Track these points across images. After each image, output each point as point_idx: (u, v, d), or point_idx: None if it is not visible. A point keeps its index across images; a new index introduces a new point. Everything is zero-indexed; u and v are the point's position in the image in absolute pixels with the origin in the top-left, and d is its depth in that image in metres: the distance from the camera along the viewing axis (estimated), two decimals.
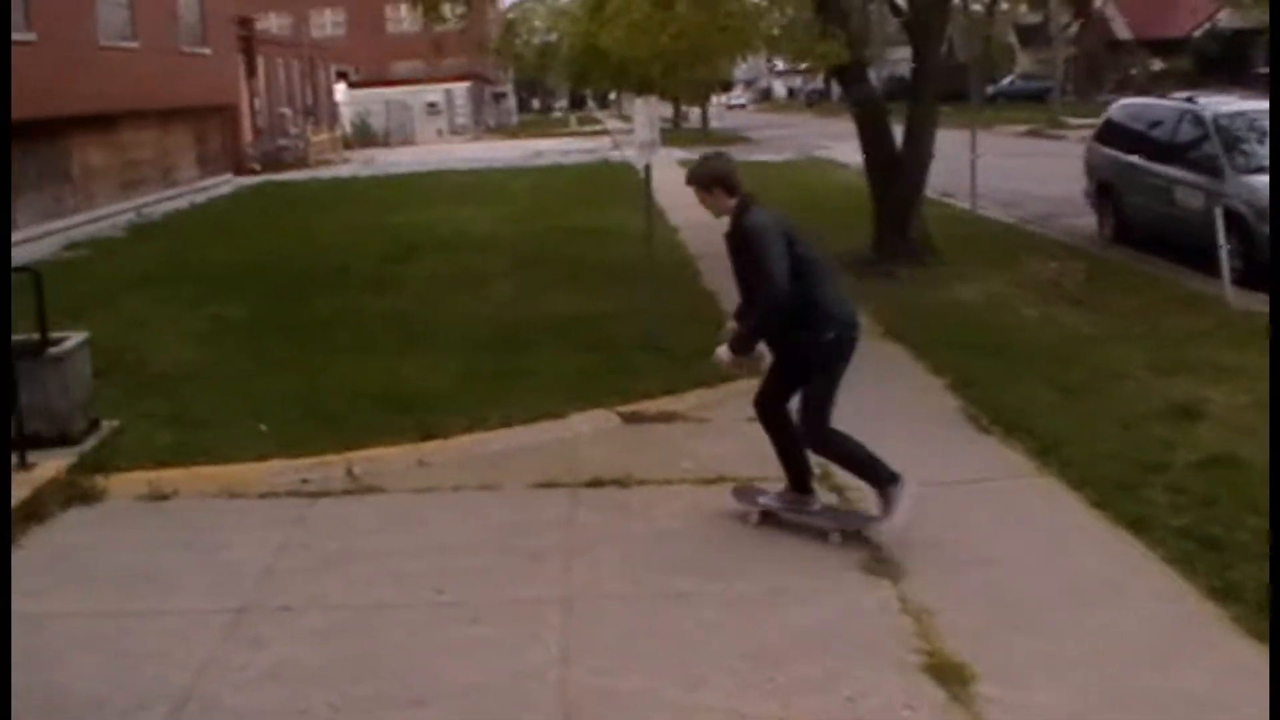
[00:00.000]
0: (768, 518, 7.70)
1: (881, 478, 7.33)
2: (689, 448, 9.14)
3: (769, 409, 7.79)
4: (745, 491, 7.98)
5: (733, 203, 7.55)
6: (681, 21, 14.63)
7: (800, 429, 7.57)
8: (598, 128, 74.94)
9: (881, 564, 6.94)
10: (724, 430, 9.58)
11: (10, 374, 8.88)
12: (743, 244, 7.42)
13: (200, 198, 31.80)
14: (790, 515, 7.66)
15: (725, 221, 7.60)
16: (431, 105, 70.44)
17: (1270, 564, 5.36)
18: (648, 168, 12.42)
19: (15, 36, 21.94)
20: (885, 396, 10.01)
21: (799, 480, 7.74)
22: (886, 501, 7.25)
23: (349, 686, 5.83)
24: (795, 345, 7.48)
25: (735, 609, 6.50)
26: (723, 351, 7.50)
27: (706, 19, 14.77)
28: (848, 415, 9.60)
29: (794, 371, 7.57)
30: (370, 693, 5.78)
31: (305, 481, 8.58)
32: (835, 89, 66.73)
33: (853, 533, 7.36)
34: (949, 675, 5.69)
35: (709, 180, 7.61)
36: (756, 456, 8.79)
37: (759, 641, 6.10)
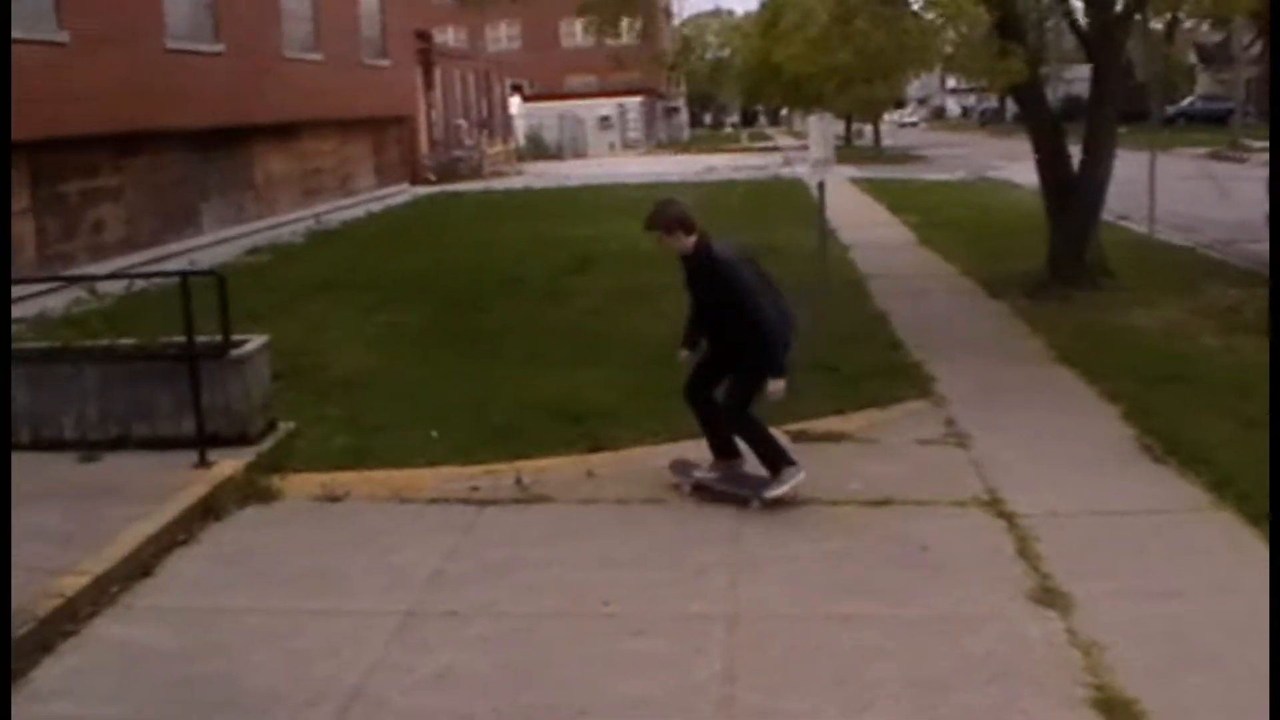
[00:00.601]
0: (700, 490, 8.54)
1: (781, 461, 8.31)
2: (857, 468, 9.06)
3: (702, 395, 8.67)
4: (681, 465, 8.80)
5: (692, 240, 8.37)
6: (860, 38, 14.54)
7: (725, 412, 8.53)
8: (769, 144, 74.86)
9: (1050, 594, 6.80)
10: (892, 451, 9.51)
11: (195, 374, 9.16)
12: (713, 278, 8.28)
13: (377, 206, 32.43)
14: (720, 486, 8.49)
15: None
16: (604, 119, 71.03)
17: (1270, 565, 5.18)
18: (821, 185, 12.38)
19: (203, 48, 22.65)
20: (1056, 423, 9.85)
21: (723, 448, 8.63)
22: (777, 474, 8.27)
23: (513, 694, 5.89)
24: (742, 350, 8.30)
25: (901, 634, 6.41)
26: (778, 387, 8.22)
27: (885, 36, 14.65)
28: (1017, 440, 9.52)
29: (729, 366, 8.48)
30: (534, 701, 5.83)
31: (475, 489, 8.70)
32: (1010, 108, 65.87)
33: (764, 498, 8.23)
34: (1117, 712, 5.56)
35: (672, 224, 8.38)
36: (926, 479, 8.75)
37: (924, 668, 6.02)
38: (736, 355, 8.38)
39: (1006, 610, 6.68)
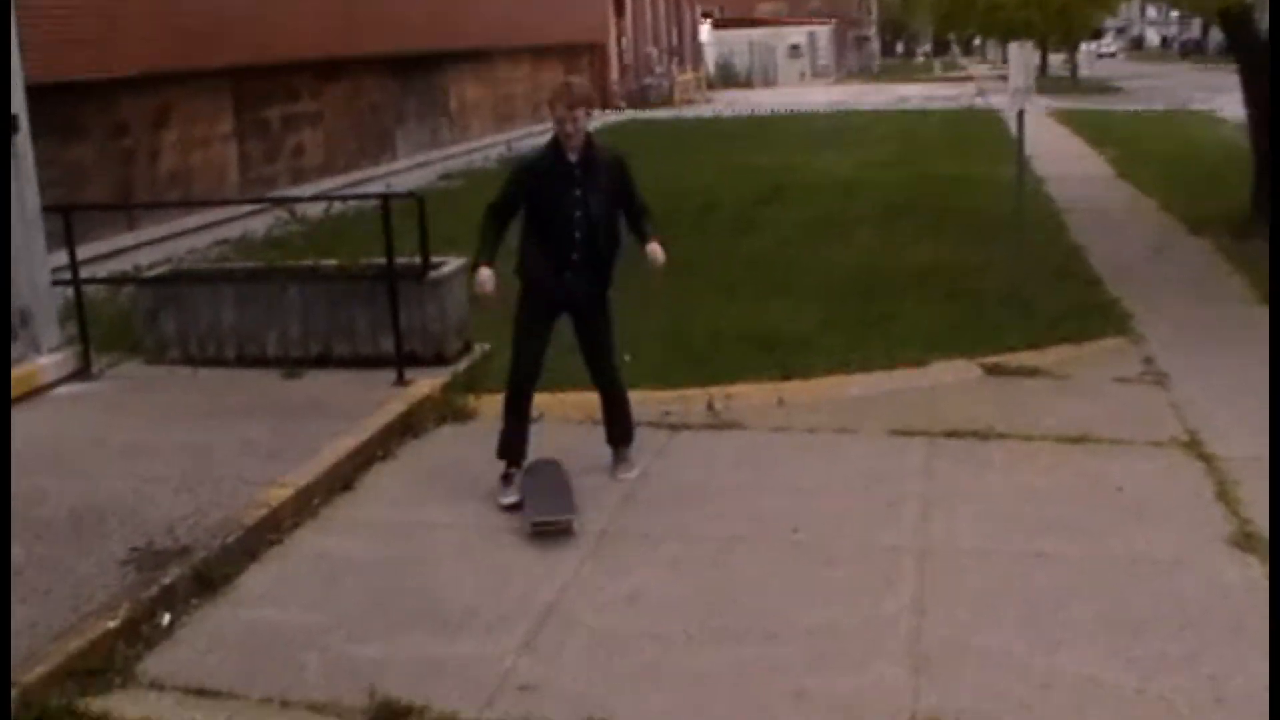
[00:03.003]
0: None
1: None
2: (1051, 404, 8.91)
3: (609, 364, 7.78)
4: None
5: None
6: None
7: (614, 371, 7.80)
8: (962, 74, 73.41)
9: (1250, 539, 6.61)
10: (1088, 389, 9.33)
11: (395, 295, 9.37)
12: (619, 172, 7.46)
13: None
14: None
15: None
16: (794, 48, 70.29)
17: (1270, 566, 4.98)
18: (1020, 114, 12.12)
19: None
20: (1259, 366, 9.50)
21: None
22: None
23: (703, 617, 5.94)
24: (608, 275, 7.50)
25: (1096, 574, 6.31)
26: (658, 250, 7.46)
27: None
28: (1218, 382, 9.26)
29: (599, 304, 7.56)
30: (724, 625, 5.87)
31: (667, 413, 8.76)
32: (1213, 38, 63.48)
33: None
34: None
35: (592, 100, 8.05)
36: (1122, 418, 8.58)
37: (1117, 610, 5.91)
38: (605, 282, 7.52)
39: (1204, 554, 6.52)
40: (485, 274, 7.17)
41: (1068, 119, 32.97)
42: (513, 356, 7.46)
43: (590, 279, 7.37)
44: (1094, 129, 29.75)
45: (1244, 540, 6.62)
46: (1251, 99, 16.23)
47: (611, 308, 7.59)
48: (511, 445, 7.44)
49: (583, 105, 7.24)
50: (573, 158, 7.19)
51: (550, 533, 6.83)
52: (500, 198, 7.34)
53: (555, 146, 7.24)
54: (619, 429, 7.81)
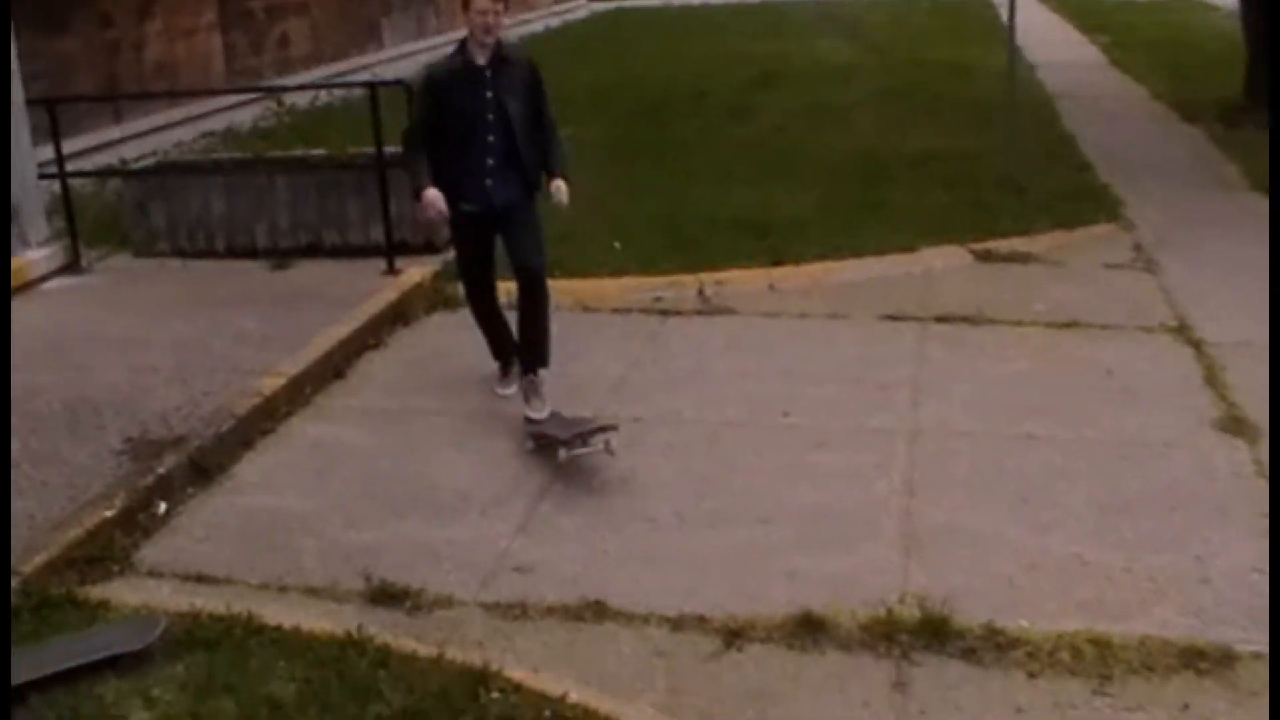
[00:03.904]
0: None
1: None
2: (1042, 289, 8.94)
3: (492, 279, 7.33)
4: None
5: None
6: None
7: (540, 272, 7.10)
8: None
9: (1238, 423, 6.67)
10: (1078, 274, 9.36)
11: (384, 183, 9.32)
12: (533, 76, 6.90)
13: (555, 21, 32.24)
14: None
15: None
16: None
17: (1270, 568, 5.06)
18: (1012, 0, 12.00)
19: None
20: (1250, 253, 9.50)
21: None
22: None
23: (695, 500, 6.00)
24: (535, 180, 6.99)
25: (1084, 457, 6.36)
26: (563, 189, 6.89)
27: None
28: (1208, 268, 9.28)
29: (521, 212, 7.02)
30: (716, 507, 5.94)
31: (658, 299, 8.79)
32: None
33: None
34: None
35: None
36: (1112, 303, 8.62)
37: (1107, 491, 5.98)
38: (531, 187, 6.99)
39: (1193, 437, 6.58)
40: (433, 193, 6.71)
41: (1060, 6, 32.60)
42: (461, 276, 7.41)
43: (514, 185, 6.85)
44: (1086, 16, 29.42)
45: (1231, 424, 6.68)
46: None
47: (540, 214, 7.10)
48: (495, 346, 7.40)
49: None
50: (481, 60, 6.70)
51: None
52: (416, 120, 6.92)
53: (462, 51, 6.74)
54: (533, 347, 7.07)
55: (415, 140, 6.87)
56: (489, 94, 6.71)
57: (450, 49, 6.96)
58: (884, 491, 6.04)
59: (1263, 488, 5.98)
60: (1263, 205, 10.89)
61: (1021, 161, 11.79)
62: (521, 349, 7.15)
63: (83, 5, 14.65)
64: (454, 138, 6.75)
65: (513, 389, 7.21)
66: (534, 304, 7.00)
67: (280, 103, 16.01)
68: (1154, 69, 19.64)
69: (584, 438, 6.33)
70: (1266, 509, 5.74)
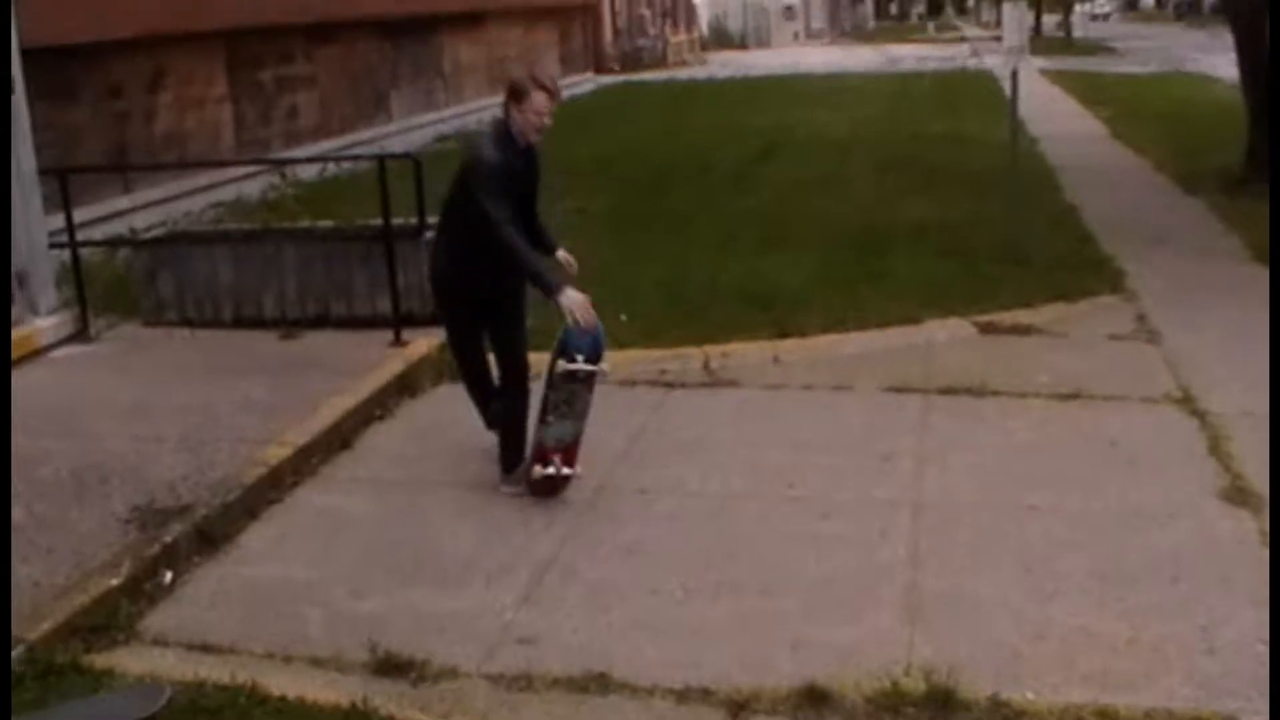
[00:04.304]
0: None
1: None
2: (1045, 361, 8.98)
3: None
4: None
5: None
6: None
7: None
8: (955, 35, 73.17)
9: (1242, 493, 6.68)
10: (1082, 345, 9.40)
11: (391, 254, 9.39)
12: (539, 168, 6.90)
13: (563, 95, 32.52)
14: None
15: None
16: (788, 9, 69.97)
17: (1270, 570, 5.06)
18: (1015, 73, 12.12)
19: None
20: (1252, 323, 9.56)
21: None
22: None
23: (700, 570, 6.00)
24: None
25: (1088, 527, 6.37)
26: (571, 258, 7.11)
27: None
28: (1211, 339, 9.32)
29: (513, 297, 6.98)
30: (721, 577, 5.93)
31: (663, 371, 8.84)
32: None
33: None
34: None
35: None
36: (1116, 374, 8.65)
37: (1111, 562, 5.98)
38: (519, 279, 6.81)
39: (1197, 507, 6.59)
40: (578, 296, 6.45)
41: (1062, 80, 32.90)
42: (457, 364, 7.35)
43: (518, 275, 6.68)
44: (1088, 89, 29.70)
45: (1236, 494, 6.69)
46: (1244, 58, 16.24)
47: (528, 298, 6.99)
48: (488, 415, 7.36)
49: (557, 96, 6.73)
50: (521, 148, 6.65)
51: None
52: (504, 208, 6.45)
53: (509, 139, 6.60)
54: (507, 446, 7.05)
55: (513, 231, 6.43)
56: (523, 187, 6.73)
57: (488, 132, 6.83)
58: (888, 561, 6.04)
59: (1267, 557, 5.97)
60: (1264, 275, 10.94)
61: (1024, 232, 11.86)
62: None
63: (93, 76, 14.80)
64: (485, 229, 6.48)
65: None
66: (511, 400, 7.03)
67: (284, 176, 16.10)
68: (1155, 141, 19.79)
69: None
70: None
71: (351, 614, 5.66)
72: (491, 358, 7.18)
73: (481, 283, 6.73)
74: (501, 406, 7.09)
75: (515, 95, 6.56)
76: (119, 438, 7.53)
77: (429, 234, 9.56)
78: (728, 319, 9.78)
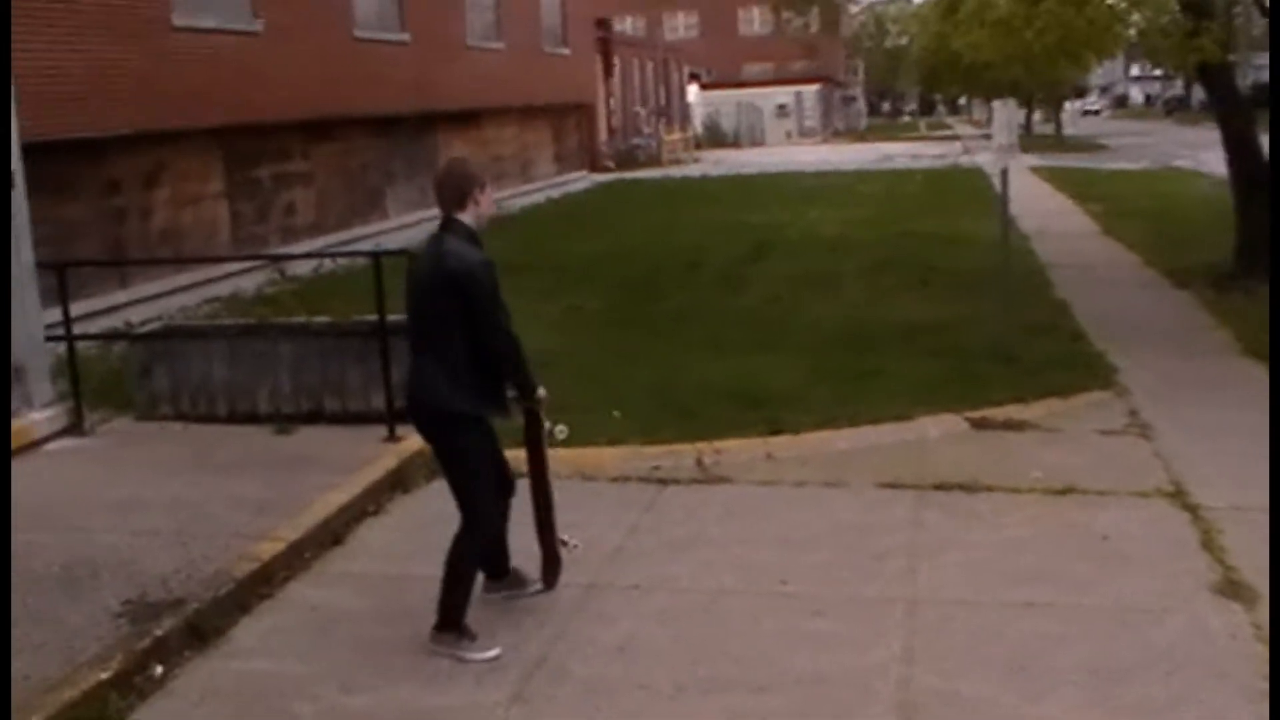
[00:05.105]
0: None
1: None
2: (1038, 457, 9.00)
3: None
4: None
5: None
6: (1048, 17, 14.39)
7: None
8: (947, 133, 73.93)
9: (1235, 587, 6.69)
10: (1074, 441, 9.42)
11: (386, 351, 9.41)
12: None
13: (556, 193, 32.78)
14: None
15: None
16: (781, 108, 70.85)
17: (1270, 570, 5.04)
18: (1004, 171, 12.25)
19: (390, 37, 23.20)
20: (1243, 418, 9.64)
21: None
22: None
23: (692, 667, 5.98)
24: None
25: (1081, 623, 6.37)
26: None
27: (1074, 13, 14.49)
28: (1202, 434, 9.34)
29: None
30: (712, 675, 5.92)
31: (656, 469, 8.84)
32: (1196, 95, 63.94)
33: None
34: None
35: None
36: (1108, 469, 8.67)
37: (1104, 657, 5.97)
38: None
39: (1190, 602, 6.59)
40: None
41: (1052, 177, 33.24)
42: (480, 513, 6.38)
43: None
44: (1078, 186, 30.00)
45: (1228, 588, 6.69)
46: (1232, 153, 16.43)
47: None
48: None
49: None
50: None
51: None
52: (507, 315, 6.23)
53: (478, 241, 6.19)
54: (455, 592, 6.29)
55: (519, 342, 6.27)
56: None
57: (454, 239, 6.15)
58: (881, 660, 6.02)
59: (1261, 651, 5.97)
60: (1254, 369, 11.04)
61: (1015, 330, 11.94)
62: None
63: (91, 172, 14.94)
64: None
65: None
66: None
67: (282, 273, 16.21)
68: (1145, 237, 19.99)
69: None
70: (1265, 672, 5.74)
71: (342, 710, 5.64)
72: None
73: (488, 403, 6.31)
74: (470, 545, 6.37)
75: (480, 183, 6.20)
76: (111, 532, 7.52)
77: None
78: (720, 417, 9.82)
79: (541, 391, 6.46)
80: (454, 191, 6.15)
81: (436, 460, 6.66)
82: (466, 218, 6.14)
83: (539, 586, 6.85)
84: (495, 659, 6.08)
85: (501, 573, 6.77)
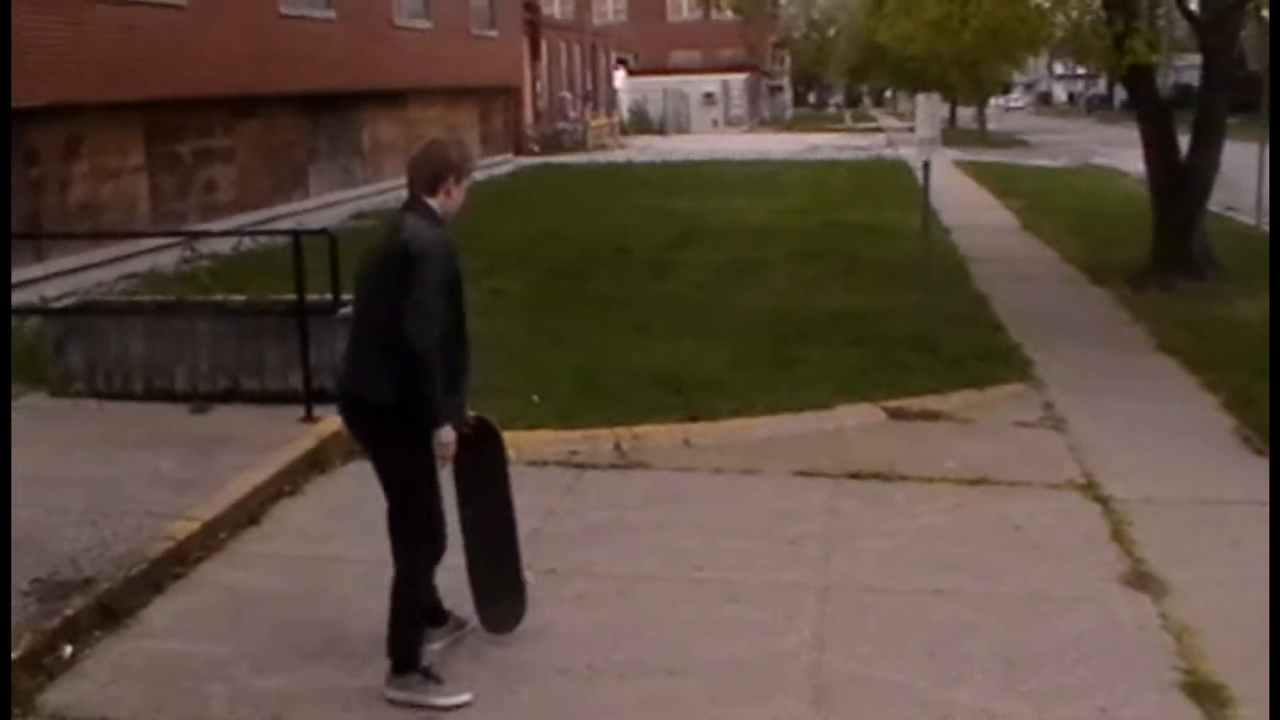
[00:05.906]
0: None
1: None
2: (953, 447, 9.09)
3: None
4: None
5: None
6: (985, 17, 14.54)
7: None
8: (872, 125, 74.33)
9: (1143, 578, 6.80)
10: (989, 432, 9.52)
11: (304, 330, 9.36)
12: None
13: (481, 176, 32.60)
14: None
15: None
16: (708, 96, 70.91)
17: (1270, 571, 5.17)
18: (927, 164, 12.35)
19: (316, 14, 23.01)
20: (1155, 411, 9.83)
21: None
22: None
23: (607, 651, 6.01)
24: None
25: (993, 611, 6.44)
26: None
27: (1009, 13, 14.66)
28: (1115, 426, 9.48)
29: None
30: (627, 659, 5.94)
31: (574, 453, 8.84)
32: (1118, 95, 64.71)
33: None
34: (1206, 696, 5.55)
35: None
36: (1022, 461, 8.77)
37: (1015, 645, 6.05)
38: None
39: (1099, 592, 6.69)
40: (451, 437, 5.55)
41: (975, 171, 33.52)
42: (427, 527, 5.85)
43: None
44: (1000, 181, 30.26)
45: (1136, 579, 6.80)
46: (1151, 152, 16.64)
47: None
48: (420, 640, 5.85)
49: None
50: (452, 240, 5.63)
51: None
52: (439, 308, 5.40)
53: (443, 226, 5.61)
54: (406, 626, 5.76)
55: (439, 341, 5.40)
56: (459, 285, 5.65)
57: (414, 218, 5.57)
58: (795, 644, 6.07)
59: (1168, 641, 6.08)
60: (1168, 364, 11.21)
61: (934, 321, 12.04)
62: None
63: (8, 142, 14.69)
64: (450, 330, 5.52)
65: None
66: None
67: (194, 249, 15.98)
68: (1065, 233, 20.22)
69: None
70: (1171, 662, 5.85)
71: (255, 690, 5.61)
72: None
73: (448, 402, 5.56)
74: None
75: (456, 173, 5.62)
76: (21, 508, 7.37)
77: (343, 310, 9.58)
78: (640, 402, 9.82)
79: (444, 436, 5.48)
80: (426, 175, 5.58)
81: (374, 467, 5.97)
82: (434, 204, 5.56)
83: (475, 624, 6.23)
84: (467, 705, 5.51)
85: (439, 620, 6.12)
